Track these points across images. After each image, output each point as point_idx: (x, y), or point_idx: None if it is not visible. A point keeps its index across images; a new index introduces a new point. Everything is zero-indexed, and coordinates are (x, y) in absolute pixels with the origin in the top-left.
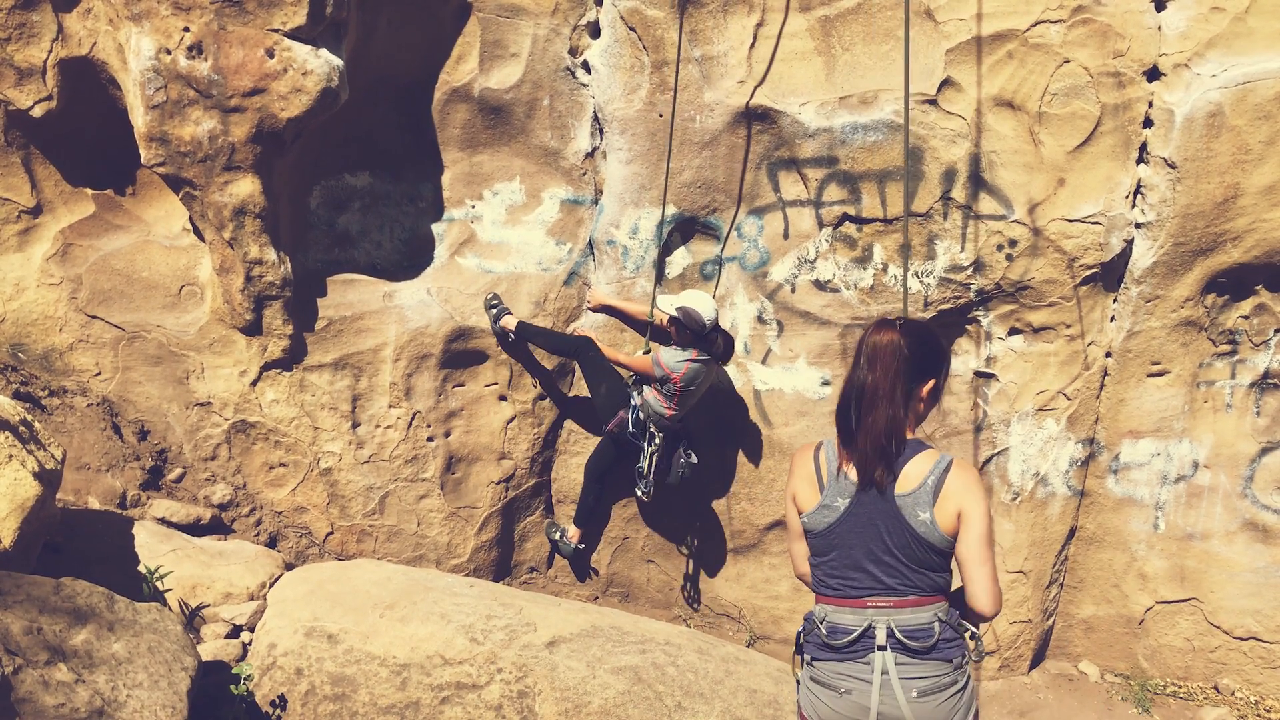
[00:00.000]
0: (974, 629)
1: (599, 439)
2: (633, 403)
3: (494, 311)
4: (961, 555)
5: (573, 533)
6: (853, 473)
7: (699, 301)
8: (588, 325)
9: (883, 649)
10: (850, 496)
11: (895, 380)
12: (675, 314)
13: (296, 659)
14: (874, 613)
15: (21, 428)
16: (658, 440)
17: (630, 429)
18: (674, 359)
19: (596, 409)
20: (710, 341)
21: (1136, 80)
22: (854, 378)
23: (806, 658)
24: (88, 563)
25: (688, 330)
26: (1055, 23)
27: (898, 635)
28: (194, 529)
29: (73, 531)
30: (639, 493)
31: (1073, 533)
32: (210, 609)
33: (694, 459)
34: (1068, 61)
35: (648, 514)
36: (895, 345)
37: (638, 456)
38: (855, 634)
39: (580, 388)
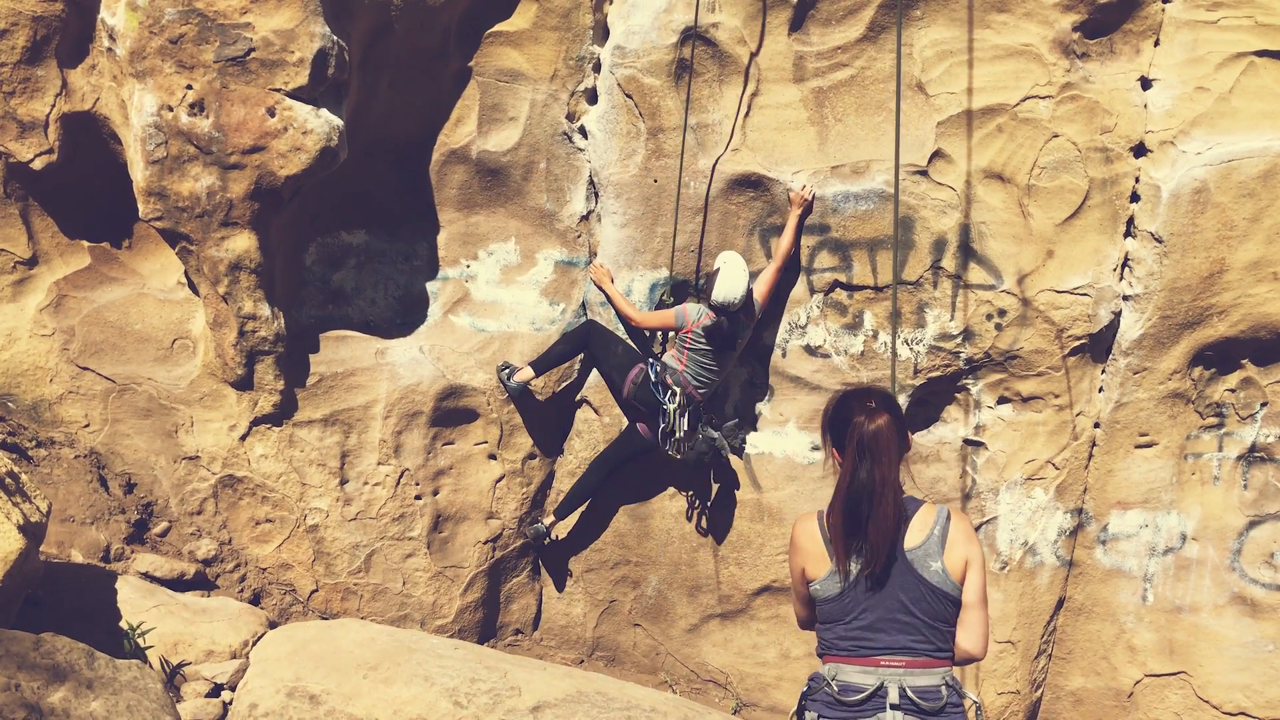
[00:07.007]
0: (976, 700)
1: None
2: (650, 360)
3: (505, 373)
4: (965, 599)
5: (548, 520)
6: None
7: (726, 278)
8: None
9: (895, 707)
10: (861, 561)
11: (895, 465)
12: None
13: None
14: (886, 671)
15: (8, 479)
16: (678, 395)
17: (653, 381)
18: (695, 312)
19: (612, 373)
20: (727, 314)
21: (1124, 156)
22: (857, 475)
23: (811, 716)
24: (69, 618)
25: (709, 296)
26: (1044, 98)
27: (909, 695)
28: (178, 584)
29: (55, 585)
30: (669, 451)
31: (1061, 603)
32: (191, 667)
33: (714, 435)
34: (1056, 136)
35: (635, 576)
36: (889, 431)
37: (650, 450)
38: (867, 692)
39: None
